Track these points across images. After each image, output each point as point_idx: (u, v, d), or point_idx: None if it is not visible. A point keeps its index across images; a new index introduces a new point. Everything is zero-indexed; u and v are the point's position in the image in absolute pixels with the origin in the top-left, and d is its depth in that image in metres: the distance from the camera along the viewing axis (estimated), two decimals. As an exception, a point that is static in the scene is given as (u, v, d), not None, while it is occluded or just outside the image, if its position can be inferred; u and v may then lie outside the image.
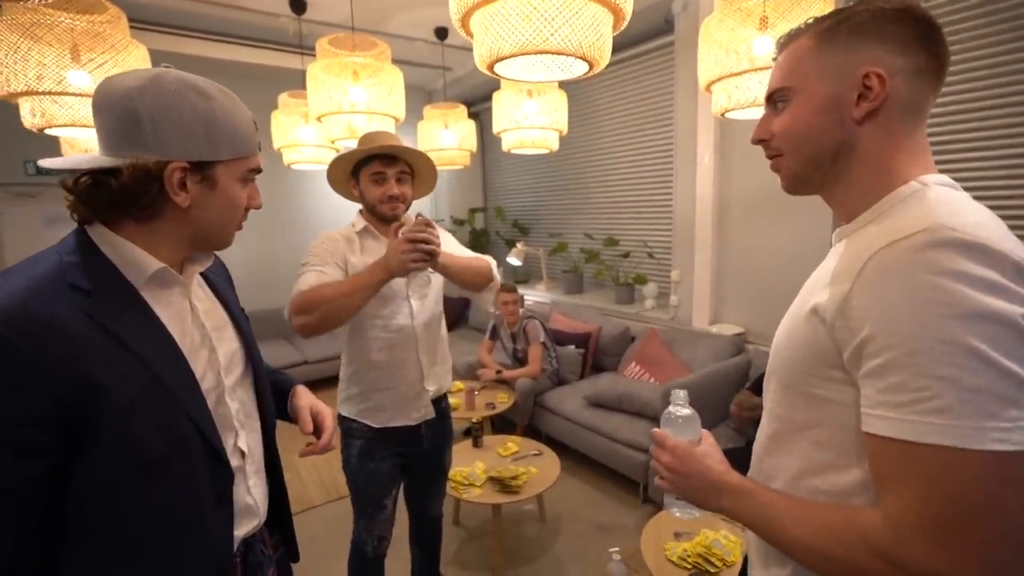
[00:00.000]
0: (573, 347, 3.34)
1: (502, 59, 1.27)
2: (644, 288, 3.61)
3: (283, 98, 3.13)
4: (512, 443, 2.45)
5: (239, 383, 0.80)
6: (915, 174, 0.59)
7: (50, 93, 1.74)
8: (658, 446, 0.73)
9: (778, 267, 2.75)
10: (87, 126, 1.87)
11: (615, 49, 4.39)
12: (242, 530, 0.78)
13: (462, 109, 3.61)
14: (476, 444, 2.44)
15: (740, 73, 1.66)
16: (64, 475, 0.59)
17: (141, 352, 0.63)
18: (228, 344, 0.80)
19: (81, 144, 2.45)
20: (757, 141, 0.70)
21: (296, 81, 3.03)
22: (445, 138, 3.58)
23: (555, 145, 2.84)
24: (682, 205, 3.24)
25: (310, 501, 2.61)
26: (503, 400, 2.95)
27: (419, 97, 5.16)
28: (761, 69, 1.61)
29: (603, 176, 4.05)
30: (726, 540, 1.66)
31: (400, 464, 1.54)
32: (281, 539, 0.94)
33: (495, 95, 2.72)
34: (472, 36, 1.30)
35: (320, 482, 2.81)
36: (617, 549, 1.67)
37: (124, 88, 0.63)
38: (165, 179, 0.65)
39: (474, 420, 2.52)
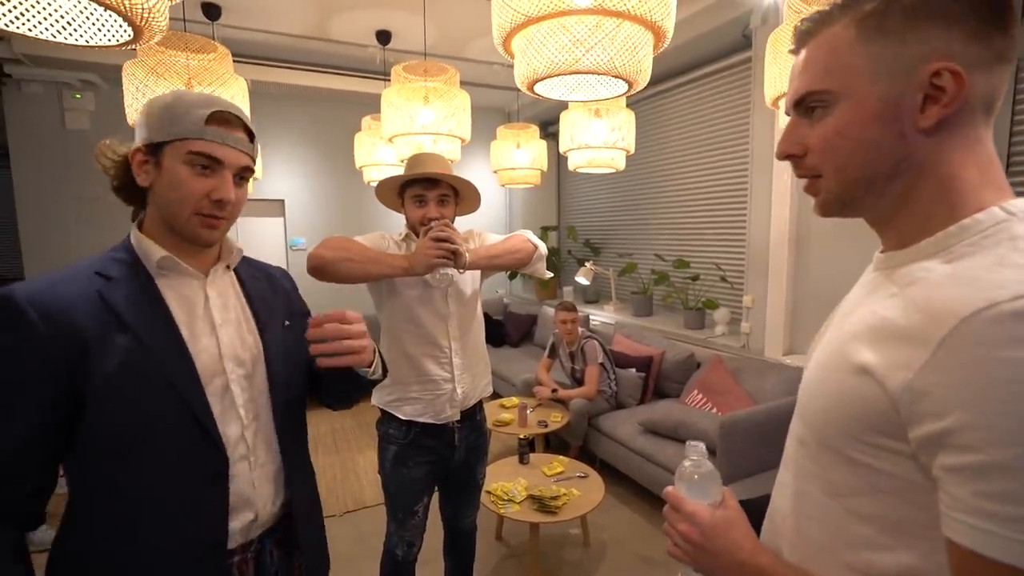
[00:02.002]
0: (634, 370, 3.24)
1: (539, 80, 1.30)
2: (715, 313, 3.43)
3: (366, 121, 3.39)
4: (558, 463, 2.42)
5: (249, 378, 0.84)
6: (990, 196, 0.48)
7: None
8: (673, 509, 0.62)
9: (863, 296, 2.50)
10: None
11: (690, 67, 4.29)
12: (237, 522, 0.81)
13: (534, 129, 3.69)
14: (522, 461, 2.43)
15: None
16: (70, 434, 0.70)
17: (137, 329, 0.72)
18: (241, 339, 0.84)
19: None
20: (786, 157, 0.57)
21: (379, 105, 3.27)
22: (517, 157, 3.67)
23: (621, 164, 2.82)
24: (757, 227, 3.06)
25: (363, 501, 2.75)
26: (556, 419, 2.92)
27: (497, 118, 5.33)
28: None
29: (675, 196, 3.93)
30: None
31: (433, 473, 1.57)
32: (304, 550, 0.92)
33: (562, 115, 2.76)
34: (513, 57, 1.35)
35: (376, 482, 2.93)
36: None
37: (146, 104, 0.79)
38: (131, 163, 0.77)
39: (522, 436, 2.51)
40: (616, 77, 1.28)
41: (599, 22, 1.20)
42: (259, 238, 4.63)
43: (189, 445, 0.75)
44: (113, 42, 1.33)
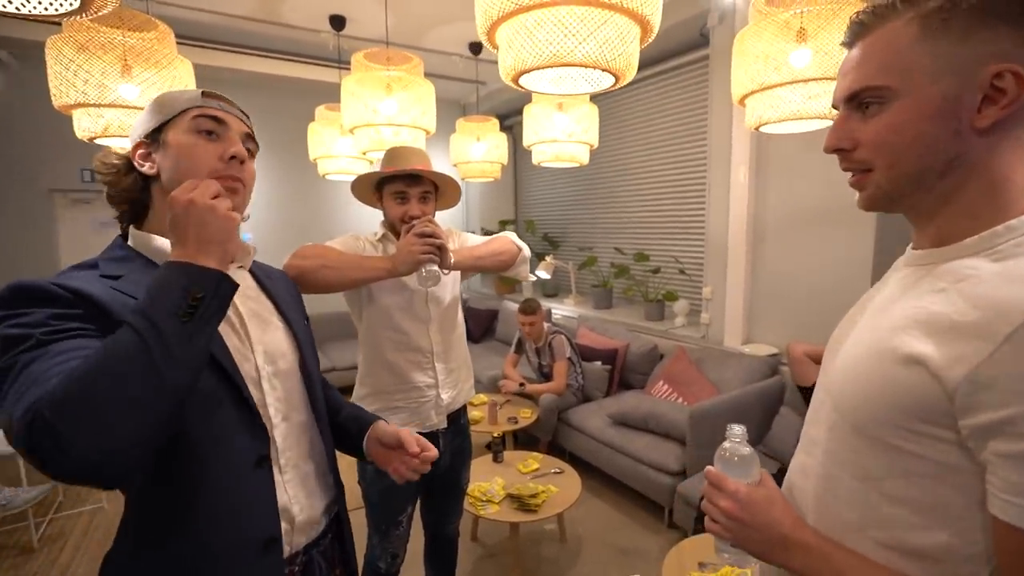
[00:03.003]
0: (599, 363, 3.28)
1: (527, 71, 1.26)
2: (675, 305, 3.52)
3: (320, 111, 3.22)
4: (533, 460, 2.40)
5: (281, 376, 0.81)
6: None
7: (100, 105, 1.82)
8: (715, 488, 0.64)
9: (816, 286, 2.63)
10: (134, 136, 1.96)
11: (649, 63, 4.37)
12: (295, 534, 0.79)
13: (494, 122, 3.64)
14: (496, 459, 2.40)
15: (776, 86, 1.62)
16: None
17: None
18: (270, 334, 0.81)
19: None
20: (834, 150, 0.58)
21: (333, 94, 3.12)
22: (476, 151, 3.61)
23: (585, 159, 2.82)
24: (715, 221, 3.15)
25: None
26: (526, 415, 2.91)
27: (453, 111, 5.23)
28: (798, 82, 1.56)
29: (634, 191, 4.00)
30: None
31: (418, 481, 1.51)
32: (342, 562, 0.92)
33: (526, 108, 2.73)
34: (498, 49, 1.31)
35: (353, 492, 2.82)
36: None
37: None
38: (133, 161, 0.75)
39: (495, 434, 2.48)
40: (606, 71, 1.26)
41: (590, 14, 1.18)
42: (200, 234, 4.34)
43: (236, 424, 0.72)
44: (56, 11, 1.17)
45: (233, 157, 0.75)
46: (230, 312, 0.77)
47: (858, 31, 0.55)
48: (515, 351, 3.33)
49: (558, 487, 2.18)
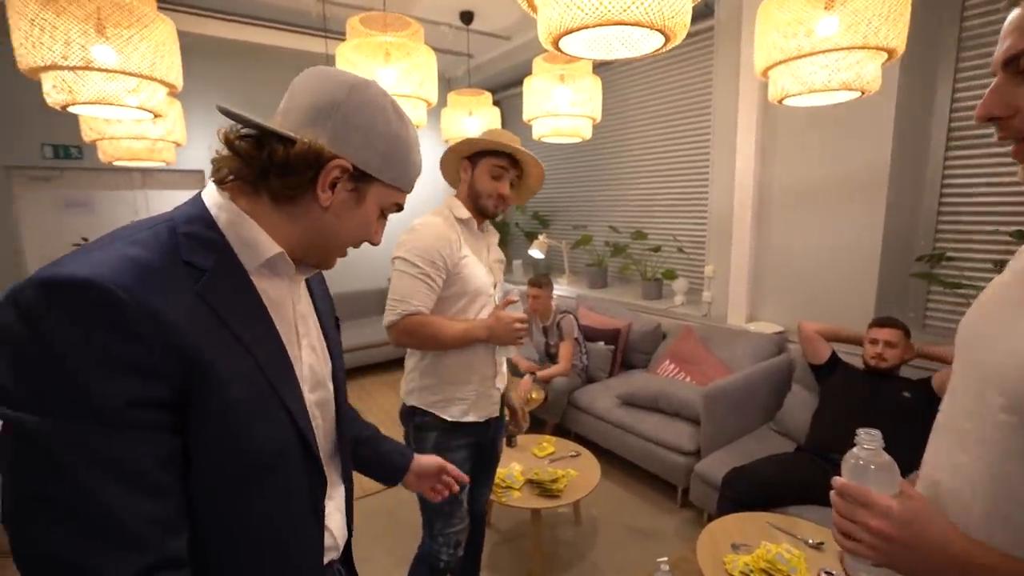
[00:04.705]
0: (603, 343, 3.24)
1: (571, 32, 1.16)
2: (673, 283, 3.49)
3: (307, 82, 3.02)
4: (547, 443, 2.35)
5: (319, 403, 0.72)
6: None
7: (75, 68, 1.63)
8: (858, 505, 0.57)
9: (823, 264, 2.62)
10: (111, 103, 1.77)
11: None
12: (327, 556, 0.73)
13: (487, 96, 3.51)
14: (510, 444, 2.34)
15: (803, 56, 1.55)
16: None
17: (246, 340, 0.58)
18: (317, 356, 0.72)
19: (100, 122, 2.35)
20: (988, 119, 0.54)
21: (318, 64, 2.93)
22: (469, 125, 3.48)
23: (587, 133, 2.73)
24: (718, 197, 3.11)
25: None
26: (535, 398, 2.85)
27: (439, 85, 5.02)
28: (826, 51, 1.50)
29: (632, 167, 3.93)
30: (789, 554, 1.56)
31: (471, 456, 1.50)
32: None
33: (526, 81, 2.61)
34: (535, 8, 1.20)
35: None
36: (665, 559, 1.57)
37: (339, 79, 0.64)
38: (322, 170, 0.61)
39: (508, 418, 2.41)
40: (659, 31, 1.17)
41: (649, -34, 1.08)
42: (174, 214, 4.09)
43: (299, 472, 0.64)
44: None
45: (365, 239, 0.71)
46: (293, 325, 0.67)
47: None
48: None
49: (577, 471, 2.13)
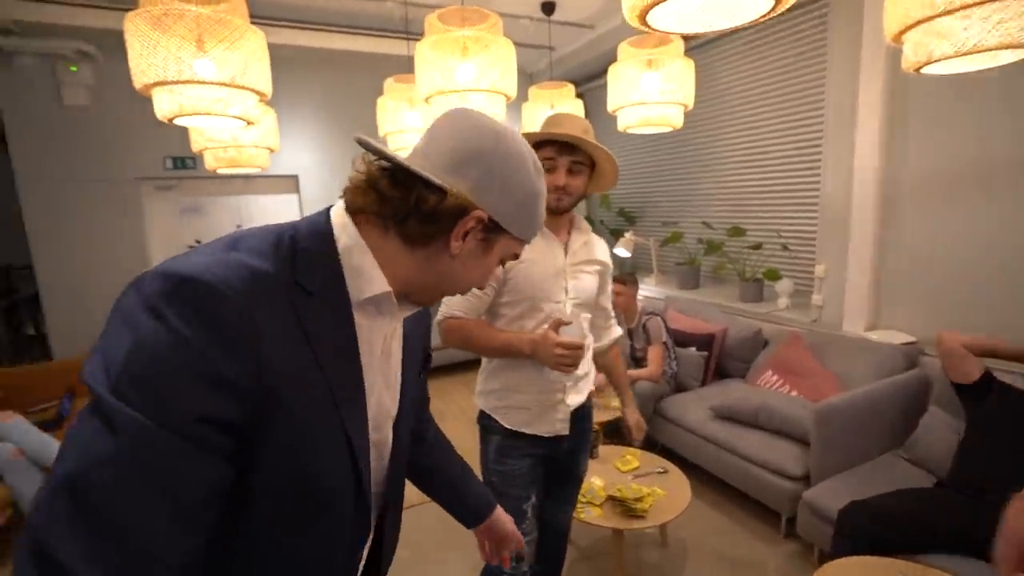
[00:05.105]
0: (694, 349, 2.99)
1: (660, 1, 1.01)
2: (776, 285, 3.14)
3: (389, 83, 3.06)
4: (632, 456, 2.19)
5: (376, 444, 0.68)
6: None
7: (178, 82, 1.74)
8: None
9: (969, 263, 2.20)
10: (211, 114, 1.88)
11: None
12: None
13: (569, 88, 3.38)
14: (592, 455, 2.20)
15: (948, 12, 1.27)
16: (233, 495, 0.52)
17: (329, 372, 0.56)
18: (387, 397, 0.69)
19: (204, 132, 2.54)
20: None
21: (402, 67, 2.96)
22: (551, 120, 3.36)
23: (678, 122, 2.51)
24: (833, 189, 2.74)
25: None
26: (616, 406, 2.68)
27: (521, 80, 4.96)
28: (978, 4, 1.20)
29: (727, 158, 3.59)
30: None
31: (537, 465, 1.41)
32: None
33: (611, 68, 2.45)
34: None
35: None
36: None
37: (485, 126, 0.63)
38: (460, 220, 0.60)
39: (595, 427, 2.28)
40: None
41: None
42: (271, 218, 4.35)
43: (348, 513, 0.62)
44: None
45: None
46: (379, 365, 0.66)
47: None
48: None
49: (664, 489, 1.95)
